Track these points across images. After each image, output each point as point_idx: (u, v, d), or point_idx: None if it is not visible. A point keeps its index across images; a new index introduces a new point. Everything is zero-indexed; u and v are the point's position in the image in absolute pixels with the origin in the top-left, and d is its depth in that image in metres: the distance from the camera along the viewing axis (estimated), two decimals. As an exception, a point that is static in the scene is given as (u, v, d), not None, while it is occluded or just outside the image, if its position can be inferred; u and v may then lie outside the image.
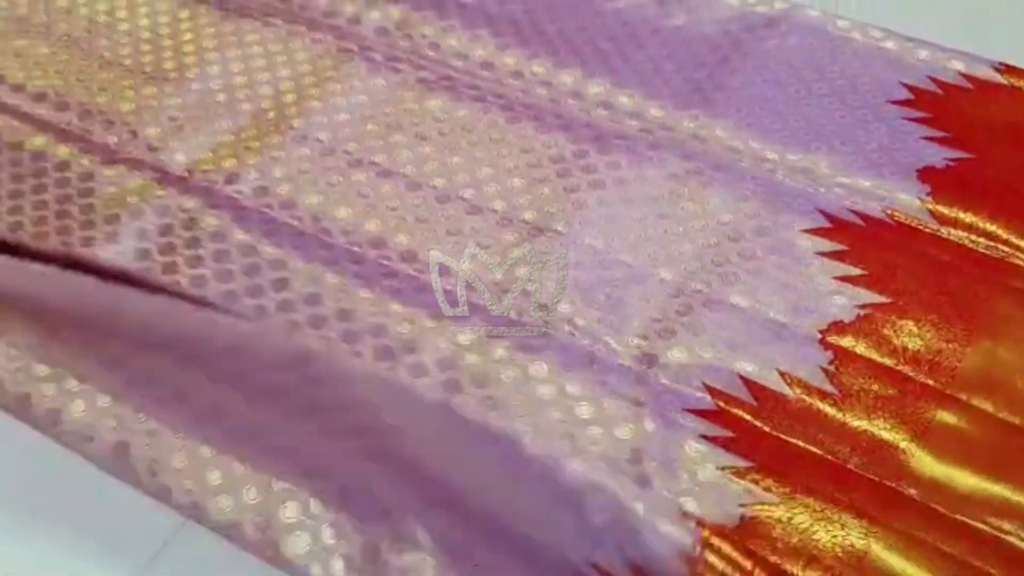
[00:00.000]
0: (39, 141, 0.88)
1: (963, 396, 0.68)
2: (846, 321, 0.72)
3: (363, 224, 0.80)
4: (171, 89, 0.91)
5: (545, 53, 0.91)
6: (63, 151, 0.87)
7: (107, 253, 0.78)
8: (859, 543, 0.61)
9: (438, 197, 0.81)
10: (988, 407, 0.67)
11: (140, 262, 0.77)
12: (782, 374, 0.69)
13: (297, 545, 0.64)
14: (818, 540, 0.61)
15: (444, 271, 0.76)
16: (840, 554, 0.61)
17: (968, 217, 0.77)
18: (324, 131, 0.87)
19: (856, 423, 0.67)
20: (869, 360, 0.70)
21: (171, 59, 0.94)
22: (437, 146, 0.85)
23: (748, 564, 0.60)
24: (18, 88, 0.93)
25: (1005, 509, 0.62)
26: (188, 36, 0.96)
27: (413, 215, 0.80)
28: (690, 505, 0.63)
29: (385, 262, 0.77)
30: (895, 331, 0.71)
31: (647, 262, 0.76)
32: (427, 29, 0.94)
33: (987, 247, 0.76)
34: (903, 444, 0.66)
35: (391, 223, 0.80)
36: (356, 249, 0.78)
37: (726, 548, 0.61)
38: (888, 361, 0.70)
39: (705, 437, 0.66)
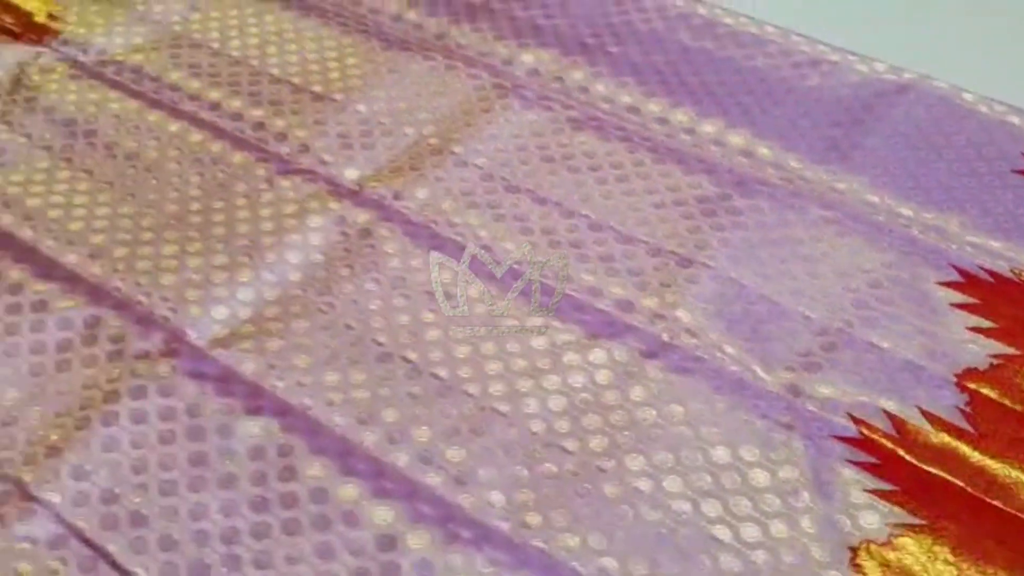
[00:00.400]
0: (216, 147, 0.95)
1: (1092, 445, 0.73)
2: (980, 369, 0.77)
3: (521, 245, 0.86)
4: (338, 109, 0.98)
5: (688, 102, 0.98)
6: (239, 158, 0.94)
7: (292, 257, 0.84)
8: (1002, 571, 0.65)
9: (590, 225, 0.88)
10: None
11: (320, 270, 0.84)
12: (923, 411, 0.74)
13: None
14: (962, 562, 0.66)
15: (596, 293, 0.82)
16: (983, 578, 0.65)
17: (1093, 282, 0.82)
18: (482, 157, 0.93)
19: (991, 460, 0.71)
20: (1002, 405, 0.75)
21: (337, 81, 1.01)
22: (587, 178, 0.91)
23: (898, 579, 0.65)
24: (194, 97, 1.00)
25: None
26: (352, 61, 1.04)
27: (567, 240, 0.86)
28: (842, 522, 0.68)
29: (544, 280, 0.83)
30: (1025, 381, 0.76)
31: (792, 300, 0.81)
32: (576, 74, 1.01)
33: (1110, 313, 0.81)
34: (1037, 484, 0.71)
35: (546, 245, 0.86)
36: (516, 267, 0.84)
37: (877, 561, 0.66)
38: (1019, 408, 0.75)
39: (852, 462, 0.71)
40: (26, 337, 0.78)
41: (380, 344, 0.79)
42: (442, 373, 0.77)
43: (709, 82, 1.00)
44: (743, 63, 1.01)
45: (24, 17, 1.11)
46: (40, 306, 0.80)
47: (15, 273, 0.83)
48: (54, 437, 0.72)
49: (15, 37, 1.08)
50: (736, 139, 0.94)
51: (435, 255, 0.84)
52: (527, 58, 1.03)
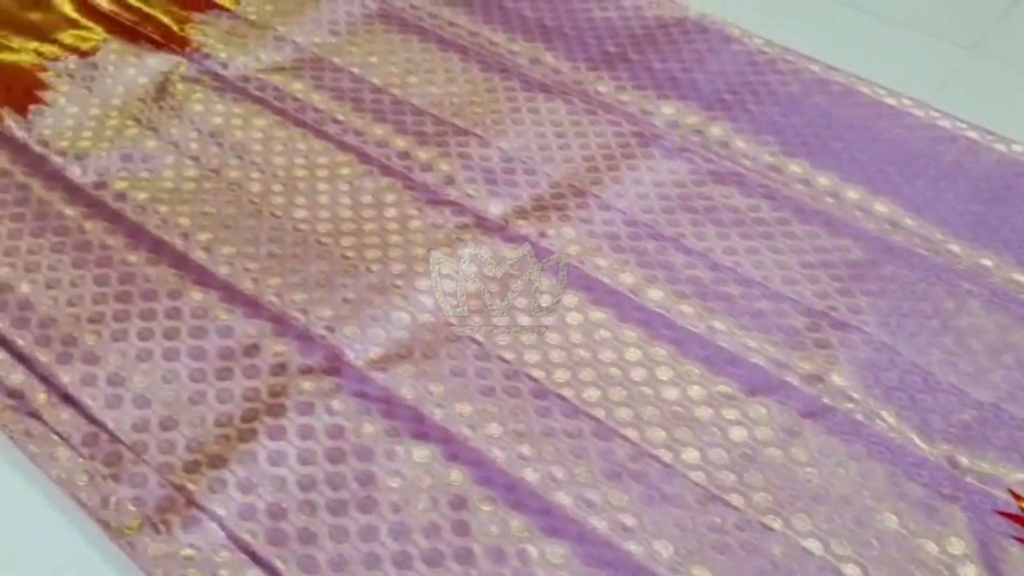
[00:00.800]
0: (362, 171, 0.96)
1: None
2: None
3: (668, 292, 0.86)
4: (481, 144, 0.99)
5: (830, 166, 0.98)
6: (386, 183, 0.94)
7: (446, 285, 0.84)
8: None
9: (737, 279, 0.88)
10: None
11: (473, 300, 0.84)
12: (1083, 494, 0.74)
13: None
14: None
15: (748, 348, 0.82)
16: None
17: None
18: (623, 201, 0.94)
19: None
20: None
21: (480, 117, 1.02)
22: (732, 232, 0.92)
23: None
24: (337, 121, 1.01)
25: None
26: (492, 99, 1.04)
27: (714, 292, 0.87)
28: (1013, 600, 0.67)
29: (694, 329, 0.83)
30: None
31: (945, 372, 0.81)
32: (716, 129, 1.02)
33: None
34: None
35: (692, 295, 0.86)
36: (665, 314, 0.84)
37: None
38: None
39: (1019, 539, 0.71)
40: (185, 342, 0.79)
41: (534, 380, 0.79)
42: (599, 414, 0.77)
43: (850, 148, 1.00)
44: (882, 134, 1.02)
45: (164, 28, 1.12)
46: (200, 313, 0.81)
47: (172, 278, 0.83)
48: (217, 447, 0.72)
49: (157, 46, 1.09)
50: (880, 207, 0.95)
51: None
52: (667, 110, 1.04)
